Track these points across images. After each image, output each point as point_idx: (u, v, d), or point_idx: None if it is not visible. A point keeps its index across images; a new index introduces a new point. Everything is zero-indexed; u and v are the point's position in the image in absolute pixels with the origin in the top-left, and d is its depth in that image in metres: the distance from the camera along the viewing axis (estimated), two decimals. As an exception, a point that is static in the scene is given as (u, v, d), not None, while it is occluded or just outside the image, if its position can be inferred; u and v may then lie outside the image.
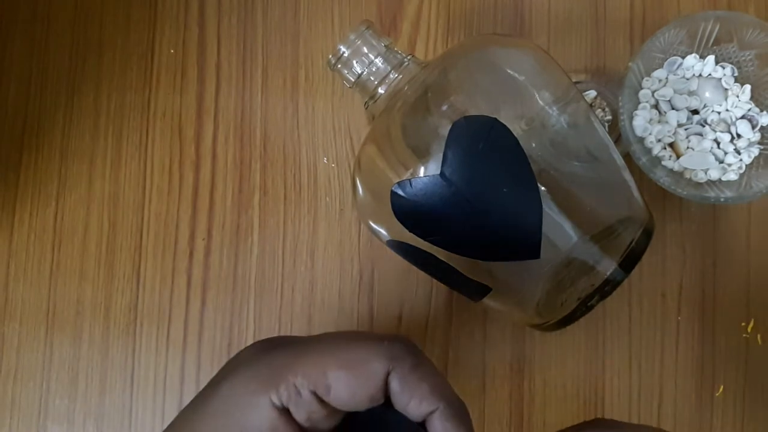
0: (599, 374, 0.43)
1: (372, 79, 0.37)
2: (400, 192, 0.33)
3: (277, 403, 0.25)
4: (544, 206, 0.32)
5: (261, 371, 0.26)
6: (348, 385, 0.25)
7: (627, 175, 0.36)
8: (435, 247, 0.34)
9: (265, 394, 0.25)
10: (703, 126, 0.42)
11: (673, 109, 0.42)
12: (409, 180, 0.33)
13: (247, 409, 0.25)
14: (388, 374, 0.25)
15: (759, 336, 0.43)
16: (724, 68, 0.42)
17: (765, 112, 0.42)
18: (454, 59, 0.36)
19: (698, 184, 0.41)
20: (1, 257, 0.46)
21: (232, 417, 0.25)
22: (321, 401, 0.25)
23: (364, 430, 0.28)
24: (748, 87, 0.42)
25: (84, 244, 0.46)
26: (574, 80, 0.44)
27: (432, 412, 0.26)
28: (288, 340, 0.28)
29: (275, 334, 0.44)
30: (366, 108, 0.38)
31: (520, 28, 0.46)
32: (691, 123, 0.42)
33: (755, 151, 0.41)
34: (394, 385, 0.26)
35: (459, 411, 0.26)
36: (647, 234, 0.35)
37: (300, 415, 0.25)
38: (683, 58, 0.43)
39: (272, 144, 0.46)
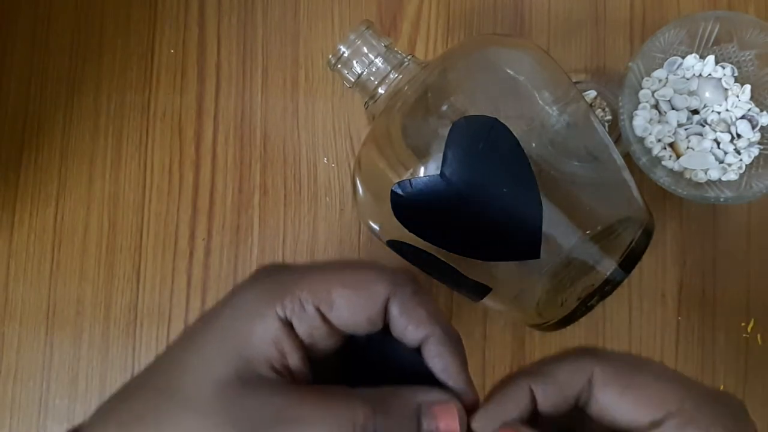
0: (599, 374, 0.43)
1: (372, 79, 0.37)
2: (400, 192, 0.33)
3: (282, 315, 0.25)
4: (544, 206, 0.32)
5: (266, 287, 0.26)
6: (350, 303, 0.26)
7: (627, 175, 0.36)
8: (435, 247, 0.34)
9: (271, 307, 0.25)
10: (703, 126, 0.42)
11: (673, 109, 0.42)
12: (409, 180, 0.33)
13: (254, 320, 0.25)
14: (388, 300, 0.26)
15: (759, 336, 0.43)
16: (724, 68, 0.42)
17: (765, 112, 0.42)
18: (454, 59, 0.36)
19: (698, 184, 0.41)
20: (1, 257, 0.46)
21: (238, 327, 0.26)
22: (323, 318, 0.26)
23: (361, 357, 0.28)
24: (748, 87, 0.42)
25: (84, 244, 0.46)
26: (574, 80, 0.44)
27: (428, 337, 0.26)
28: (294, 264, 0.28)
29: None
30: (366, 108, 0.38)
31: (520, 28, 0.46)
32: (691, 123, 0.42)
33: (755, 151, 0.41)
34: (394, 310, 0.26)
35: (454, 338, 0.27)
36: (647, 234, 0.35)
37: (302, 329, 0.26)
38: (683, 58, 0.43)
39: (272, 144, 0.46)
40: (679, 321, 0.44)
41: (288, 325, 0.26)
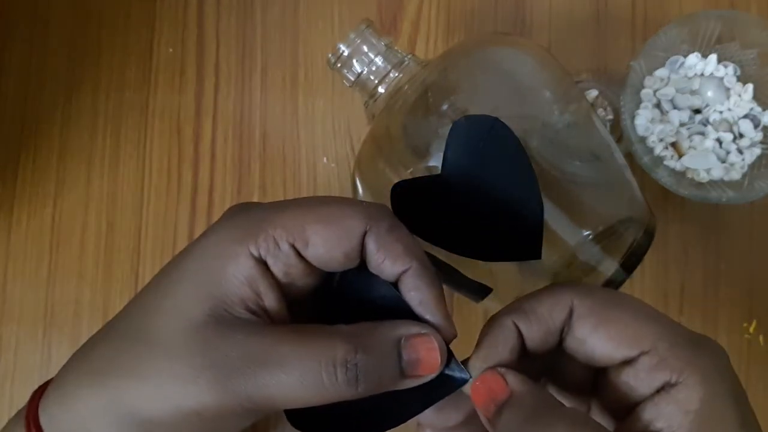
0: (600, 375, 0.43)
1: (372, 78, 0.37)
2: (400, 192, 0.33)
3: (256, 254, 0.25)
4: (545, 206, 0.32)
5: (239, 225, 0.26)
6: (326, 239, 0.25)
7: (629, 175, 0.36)
8: (435, 247, 0.34)
9: (243, 245, 0.25)
10: (705, 125, 0.42)
11: (675, 108, 0.42)
12: (409, 180, 0.32)
13: (226, 259, 0.25)
14: (364, 234, 0.25)
15: (761, 337, 0.43)
16: (726, 67, 0.42)
17: (767, 112, 0.41)
18: (454, 58, 0.36)
19: (700, 184, 0.41)
20: (-1, 257, 0.46)
21: (210, 268, 0.25)
22: (299, 256, 0.25)
23: (337, 294, 0.28)
24: (750, 86, 0.41)
25: (82, 245, 0.46)
26: (575, 79, 0.44)
27: (405, 271, 0.26)
28: (267, 202, 0.27)
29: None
30: (366, 107, 0.38)
31: (520, 27, 0.46)
32: (693, 122, 0.42)
33: (757, 150, 0.41)
34: (370, 244, 0.25)
35: (431, 272, 0.26)
36: (649, 234, 0.35)
37: (277, 268, 0.25)
38: (685, 57, 0.42)
39: (271, 144, 0.46)
40: (681, 321, 0.43)
41: (262, 264, 0.25)
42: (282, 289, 0.26)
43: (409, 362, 0.25)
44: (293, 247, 0.25)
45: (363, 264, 0.26)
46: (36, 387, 0.43)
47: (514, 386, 0.25)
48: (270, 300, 0.25)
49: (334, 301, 0.28)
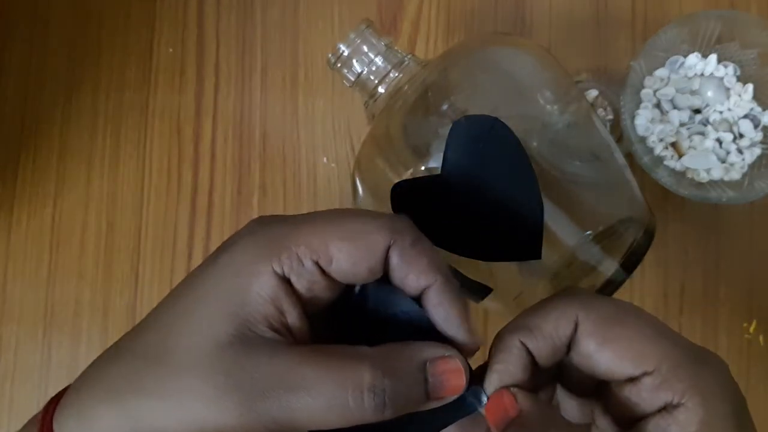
0: (600, 375, 0.43)
1: (372, 78, 0.37)
2: (400, 192, 0.33)
3: (279, 271, 0.25)
4: (545, 206, 0.32)
5: (261, 241, 0.25)
6: (350, 255, 0.25)
7: (629, 175, 0.36)
8: (435, 247, 0.34)
9: (266, 263, 0.24)
10: (705, 125, 0.42)
11: (675, 108, 0.42)
12: (409, 180, 0.32)
13: (249, 277, 0.25)
14: (388, 248, 0.25)
15: (761, 337, 0.43)
16: (726, 67, 0.42)
17: (767, 112, 0.41)
18: (454, 58, 0.36)
19: (700, 184, 0.41)
20: (-1, 257, 0.46)
21: (233, 286, 0.25)
22: (322, 271, 0.25)
23: (357, 307, 0.27)
24: (750, 86, 0.41)
25: (82, 245, 0.46)
26: (575, 79, 0.44)
27: (429, 286, 0.26)
28: (286, 216, 0.27)
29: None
30: (366, 107, 0.38)
31: (520, 27, 0.46)
32: (693, 122, 0.42)
33: (757, 150, 0.41)
34: (394, 258, 0.25)
35: (455, 287, 0.26)
36: (649, 234, 0.35)
37: (301, 285, 0.25)
38: (685, 57, 0.42)
39: (271, 144, 0.46)
40: (681, 322, 0.43)
41: (285, 281, 0.25)
42: (303, 304, 0.26)
43: (434, 385, 0.25)
44: (317, 264, 0.25)
45: (384, 276, 0.26)
46: (36, 387, 0.43)
47: (523, 405, 0.25)
48: (293, 317, 0.25)
49: (355, 315, 0.28)
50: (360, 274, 0.25)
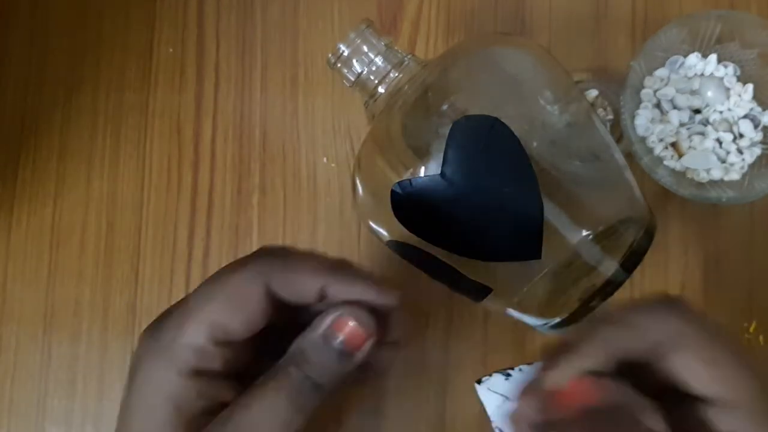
0: (600, 375, 0.43)
1: (372, 78, 0.37)
2: (400, 192, 0.33)
3: (187, 370, 0.26)
4: (545, 206, 0.32)
5: (158, 354, 0.27)
6: (237, 318, 0.27)
7: (628, 175, 0.36)
8: (435, 247, 0.34)
9: (171, 371, 0.26)
10: (705, 125, 0.42)
11: (675, 108, 0.42)
12: (410, 180, 0.32)
13: (167, 390, 0.26)
14: (267, 288, 0.27)
15: (761, 337, 0.43)
16: (726, 67, 0.42)
17: (767, 112, 0.41)
18: (454, 58, 0.36)
19: (700, 184, 0.41)
20: (-1, 257, 0.46)
21: (156, 402, 0.27)
22: (226, 341, 0.27)
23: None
24: (750, 86, 0.41)
25: (82, 245, 0.46)
26: (575, 79, 0.44)
27: (326, 285, 0.28)
28: (169, 311, 0.29)
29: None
30: (366, 107, 0.38)
31: (520, 27, 0.46)
32: (693, 122, 0.42)
33: (757, 150, 0.41)
34: (279, 291, 0.27)
35: (346, 272, 0.29)
36: (649, 234, 0.35)
37: (216, 365, 0.27)
38: (685, 57, 0.42)
39: (271, 143, 0.46)
40: (681, 322, 0.43)
41: (195, 374, 0.26)
42: (230, 357, 0.27)
43: (339, 349, 0.27)
44: (215, 341, 0.27)
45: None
46: (36, 387, 0.44)
47: (609, 394, 0.26)
48: (220, 383, 0.27)
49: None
50: (257, 323, 0.27)
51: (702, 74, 0.42)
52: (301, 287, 0.28)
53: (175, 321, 0.28)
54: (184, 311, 0.28)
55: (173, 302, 0.45)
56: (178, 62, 0.47)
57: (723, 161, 0.41)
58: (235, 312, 0.27)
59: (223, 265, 0.44)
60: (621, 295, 0.43)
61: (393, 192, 0.33)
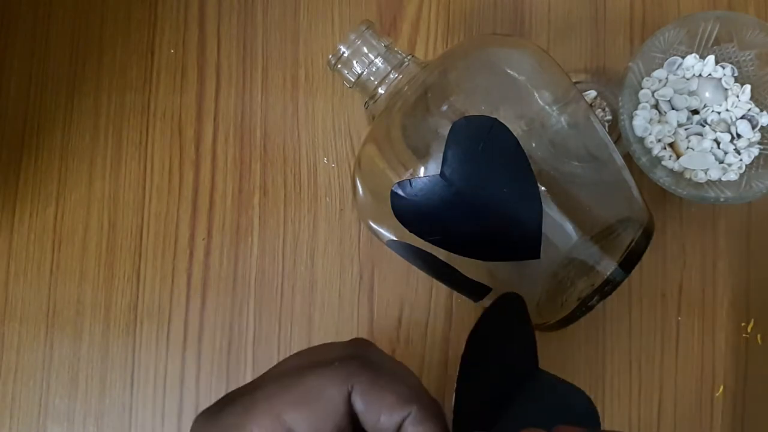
0: (599, 374, 0.43)
1: (372, 79, 0.37)
2: (400, 192, 0.33)
3: None
4: (544, 206, 0.32)
5: None
6: (308, 421, 0.24)
7: (627, 175, 0.36)
8: (435, 247, 0.34)
9: None
10: (703, 126, 0.42)
11: (673, 109, 0.42)
12: (409, 180, 0.33)
13: None
14: (348, 396, 0.24)
15: (759, 336, 0.43)
16: (724, 68, 0.42)
17: (765, 112, 0.42)
18: (454, 59, 0.36)
19: (698, 184, 0.41)
20: (2, 257, 0.46)
21: None
22: None
23: None
24: (748, 87, 0.42)
25: (84, 244, 0.46)
26: (574, 80, 0.44)
27: (404, 420, 0.25)
28: (232, 396, 0.26)
29: (275, 334, 0.44)
30: (366, 108, 0.38)
31: (519, 28, 0.46)
32: (691, 123, 0.42)
33: (755, 151, 0.41)
34: (359, 406, 0.24)
35: (431, 411, 0.25)
36: (647, 234, 0.35)
37: None
38: (683, 58, 0.43)
39: (272, 144, 0.46)
40: (679, 321, 0.43)
41: None
42: None
43: None
44: None
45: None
46: (38, 386, 0.44)
47: None
48: None
49: None
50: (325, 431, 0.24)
51: (700, 75, 0.42)
52: (379, 414, 0.25)
53: (240, 407, 0.25)
54: (252, 399, 0.25)
55: (174, 302, 0.45)
56: (180, 63, 0.47)
57: (721, 161, 0.41)
58: (314, 415, 0.24)
59: (224, 264, 0.45)
60: (619, 295, 0.44)
61: (393, 192, 0.33)
